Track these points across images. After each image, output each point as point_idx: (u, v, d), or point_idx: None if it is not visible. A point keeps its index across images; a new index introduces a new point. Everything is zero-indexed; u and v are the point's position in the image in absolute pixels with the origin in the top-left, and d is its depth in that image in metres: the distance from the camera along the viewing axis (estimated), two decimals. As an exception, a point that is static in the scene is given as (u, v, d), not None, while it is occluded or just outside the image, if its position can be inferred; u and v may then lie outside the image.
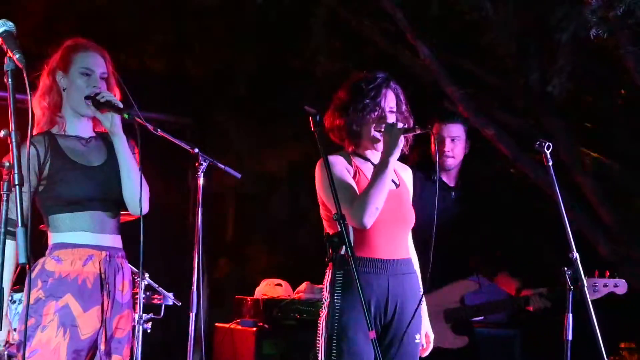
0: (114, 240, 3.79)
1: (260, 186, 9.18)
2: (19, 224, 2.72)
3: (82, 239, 3.68)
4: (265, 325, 6.72)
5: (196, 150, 4.62)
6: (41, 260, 3.69)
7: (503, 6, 6.51)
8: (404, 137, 4.10)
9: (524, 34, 6.58)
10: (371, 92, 4.17)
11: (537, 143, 4.48)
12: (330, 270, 4.05)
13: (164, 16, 8.51)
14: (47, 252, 3.71)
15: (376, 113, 4.15)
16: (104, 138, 3.90)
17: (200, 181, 4.69)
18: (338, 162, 4.15)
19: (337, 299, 3.98)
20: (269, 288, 7.11)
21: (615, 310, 6.97)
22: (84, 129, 3.83)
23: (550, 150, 4.44)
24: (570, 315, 4.38)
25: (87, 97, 3.72)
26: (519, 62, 6.86)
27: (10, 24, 2.92)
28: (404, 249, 4.22)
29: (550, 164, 4.45)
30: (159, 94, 8.30)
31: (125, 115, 3.69)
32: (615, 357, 7.12)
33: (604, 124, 7.73)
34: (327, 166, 3.75)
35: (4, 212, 2.83)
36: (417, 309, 4.10)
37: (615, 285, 5.17)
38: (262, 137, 8.95)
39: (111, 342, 3.72)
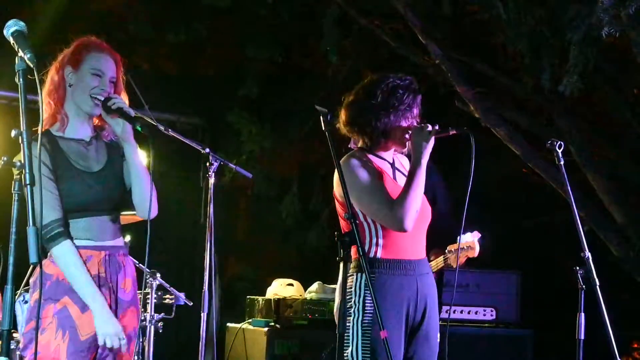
0: (115, 241, 3.77)
1: (272, 186, 9.19)
2: (30, 224, 2.72)
3: (81, 242, 3.66)
4: (277, 325, 6.72)
5: (207, 150, 4.62)
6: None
7: (514, 5, 6.49)
8: (436, 138, 4.06)
9: (535, 33, 6.57)
10: (408, 96, 4.12)
11: (549, 142, 4.46)
12: (358, 274, 4.01)
13: (175, 17, 8.52)
14: (48, 254, 3.69)
15: (410, 119, 4.12)
16: (107, 144, 3.86)
17: (212, 181, 4.69)
18: (361, 165, 4.07)
19: (373, 304, 3.91)
20: (281, 288, 7.11)
21: (628, 309, 6.96)
22: (85, 129, 3.79)
23: (561, 149, 4.42)
24: (583, 314, 4.37)
25: (95, 98, 3.69)
26: (530, 62, 6.85)
27: (22, 23, 2.92)
28: (425, 249, 4.21)
29: (562, 163, 4.43)
30: (171, 95, 8.31)
31: (138, 128, 3.66)
32: (628, 357, 7.11)
33: (615, 123, 7.72)
34: (338, 165, 3.74)
35: (15, 212, 2.82)
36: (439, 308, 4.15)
37: (468, 247, 5.00)
38: (274, 137, 8.96)
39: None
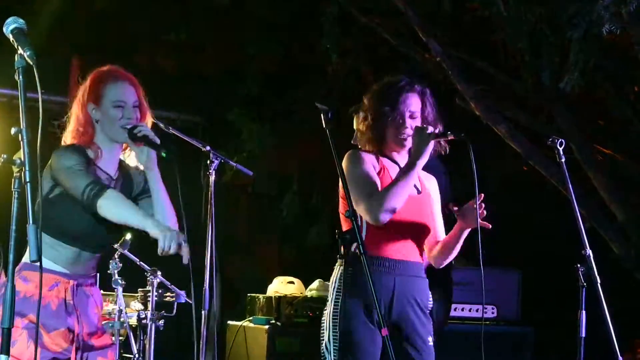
0: (87, 271, 3.77)
1: (273, 184, 9.19)
2: (30, 221, 2.72)
3: (53, 266, 3.64)
4: (278, 323, 6.72)
5: (208, 147, 4.61)
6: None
7: (515, 3, 6.49)
8: (435, 142, 4.09)
9: (535, 30, 6.57)
10: (390, 97, 4.16)
11: (550, 140, 4.46)
12: (340, 267, 4.05)
13: (175, 15, 8.52)
14: (17, 269, 3.64)
15: (395, 118, 4.13)
16: (124, 174, 3.87)
17: (212, 179, 4.69)
18: (366, 159, 4.13)
19: (341, 297, 3.98)
20: (282, 286, 7.11)
21: (630, 307, 6.95)
22: (113, 161, 3.81)
23: (562, 147, 4.42)
24: (584, 312, 4.37)
25: (125, 128, 3.70)
26: (530, 59, 6.84)
27: (21, 21, 2.92)
28: (416, 252, 4.19)
29: (563, 160, 4.43)
30: (171, 93, 8.30)
31: (163, 154, 3.67)
32: (629, 355, 7.10)
33: (616, 121, 7.72)
34: (338, 163, 3.75)
35: (15, 208, 2.82)
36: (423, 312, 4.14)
37: None
38: (274, 135, 8.95)
39: (92, 352, 3.72)
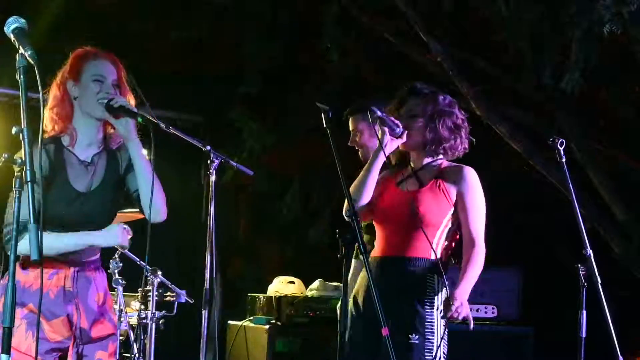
0: (87, 257, 3.75)
1: (273, 184, 9.18)
2: (31, 221, 2.72)
3: (51, 255, 3.65)
4: (278, 323, 6.72)
5: (208, 147, 4.60)
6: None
7: (515, 2, 6.49)
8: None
9: (536, 30, 6.56)
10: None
11: (551, 140, 4.47)
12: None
13: (176, 15, 8.51)
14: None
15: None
16: (109, 153, 3.87)
17: (213, 179, 4.68)
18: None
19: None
20: (282, 286, 7.11)
21: (630, 307, 6.95)
22: (92, 147, 3.79)
23: (563, 147, 4.42)
24: (585, 312, 4.37)
25: (102, 103, 3.70)
26: (531, 59, 6.84)
27: (22, 20, 2.92)
28: (405, 247, 4.20)
29: (564, 160, 4.43)
30: (172, 92, 8.30)
31: (139, 119, 3.67)
32: (630, 355, 7.10)
33: (616, 121, 7.71)
34: (338, 162, 3.75)
35: (15, 209, 2.82)
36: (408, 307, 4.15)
37: None
38: (275, 135, 8.95)
39: (91, 346, 3.72)
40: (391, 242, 4.21)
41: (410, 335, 4.10)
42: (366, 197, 4.16)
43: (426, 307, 4.15)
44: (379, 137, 4.18)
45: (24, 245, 3.42)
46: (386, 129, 4.18)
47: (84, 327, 3.71)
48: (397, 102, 4.35)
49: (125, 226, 3.73)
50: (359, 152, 5.21)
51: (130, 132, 3.71)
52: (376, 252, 4.25)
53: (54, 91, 3.76)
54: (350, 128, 5.26)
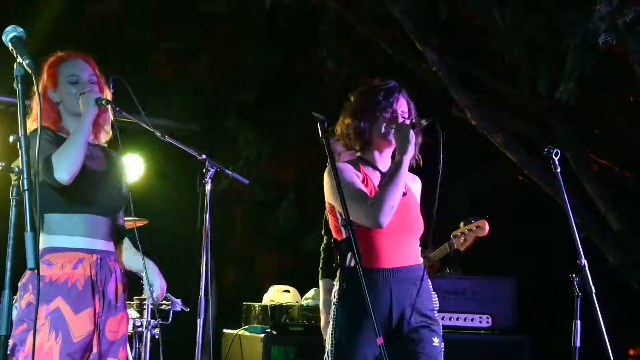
0: (107, 245, 3.80)
1: (269, 192, 9.19)
2: (28, 229, 2.72)
3: (73, 242, 3.68)
4: (273, 332, 6.73)
5: (204, 156, 4.62)
6: None
7: (511, 12, 6.51)
8: (414, 132, 4.02)
9: (531, 39, 6.58)
10: (384, 93, 4.14)
11: (546, 150, 4.47)
12: (337, 280, 4.03)
13: (172, 23, 8.53)
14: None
15: (389, 113, 4.10)
16: (102, 149, 3.93)
17: (208, 187, 4.70)
18: (347, 169, 4.09)
19: (339, 309, 3.95)
20: (277, 294, 7.12)
21: (624, 316, 6.96)
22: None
23: (558, 157, 4.43)
24: (579, 322, 4.38)
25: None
26: (526, 68, 6.86)
27: (20, 29, 2.93)
28: (413, 255, 4.14)
29: (559, 170, 4.44)
30: (168, 101, 8.32)
31: (103, 102, 3.72)
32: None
33: (611, 130, 7.74)
34: (335, 171, 3.75)
35: (13, 216, 2.83)
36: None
37: (478, 227, 4.90)
38: (270, 144, 8.96)
39: (105, 345, 3.73)
40: (401, 251, 4.10)
41: (434, 339, 4.08)
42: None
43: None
44: (405, 144, 4.00)
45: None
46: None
47: (103, 325, 3.72)
48: (409, 107, 4.25)
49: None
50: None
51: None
52: (387, 263, 4.05)
53: (37, 104, 3.77)
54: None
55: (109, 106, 3.79)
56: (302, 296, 7.07)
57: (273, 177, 9.29)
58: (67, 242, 3.68)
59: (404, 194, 4.13)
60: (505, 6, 6.55)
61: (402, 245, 4.10)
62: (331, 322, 4.03)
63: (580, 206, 7.06)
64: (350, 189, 3.96)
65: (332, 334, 3.95)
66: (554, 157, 4.42)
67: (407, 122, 4.06)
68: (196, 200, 8.48)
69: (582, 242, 4.37)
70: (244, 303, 7.27)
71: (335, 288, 4.08)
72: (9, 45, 2.91)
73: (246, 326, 7.02)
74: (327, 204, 4.21)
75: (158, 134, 4.25)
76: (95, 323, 3.68)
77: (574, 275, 4.37)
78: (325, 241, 5.41)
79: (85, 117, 3.69)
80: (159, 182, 8.18)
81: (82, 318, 3.63)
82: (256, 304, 7.07)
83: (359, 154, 4.22)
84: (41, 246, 3.68)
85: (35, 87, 2.87)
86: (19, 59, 2.85)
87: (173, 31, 8.53)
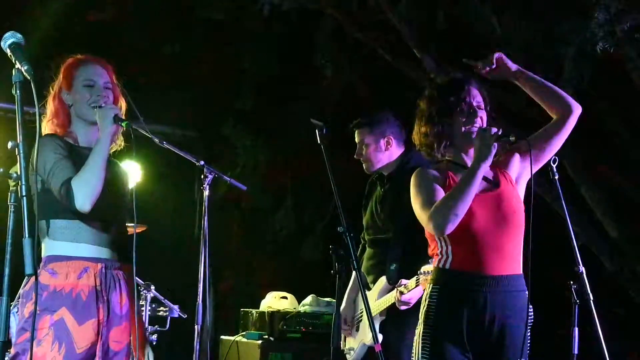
0: (112, 253, 3.78)
1: (266, 199, 9.19)
2: (26, 235, 2.72)
3: (78, 250, 3.66)
4: (271, 338, 6.72)
5: (201, 162, 4.62)
6: None
7: (509, 19, 6.52)
8: (497, 144, 3.82)
9: (529, 47, 6.59)
10: (453, 89, 3.95)
11: (544, 157, 4.46)
12: (429, 285, 3.78)
13: (171, 29, 8.54)
14: (41, 264, 3.67)
15: (464, 108, 3.90)
16: (109, 159, 3.90)
17: (206, 193, 4.69)
18: (429, 174, 3.83)
19: (429, 318, 3.72)
20: (275, 301, 7.11)
21: (622, 324, 6.96)
22: (92, 143, 3.80)
23: (556, 164, 4.42)
24: (577, 329, 4.37)
25: (95, 107, 3.73)
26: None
27: (19, 35, 2.93)
28: (511, 262, 3.86)
29: (557, 177, 4.44)
30: (166, 107, 8.32)
31: (124, 125, 3.70)
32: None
33: (609, 138, 7.74)
34: (332, 178, 3.74)
35: (11, 223, 2.82)
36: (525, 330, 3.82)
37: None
38: (268, 150, 8.97)
39: (108, 355, 3.70)
40: (498, 256, 3.83)
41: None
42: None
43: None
44: (484, 153, 3.78)
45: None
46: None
47: (106, 335, 3.69)
48: (483, 96, 4.09)
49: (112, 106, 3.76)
50: (364, 166, 5.16)
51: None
52: (483, 269, 3.77)
53: (50, 104, 3.80)
54: (357, 140, 5.20)
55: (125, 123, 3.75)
56: (299, 303, 7.06)
57: (271, 184, 9.30)
58: (72, 249, 3.66)
59: (496, 187, 3.93)
60: (503, 14, 6.56)
61: (499, 247, 3.85)
62: (419, 329, 3.77)
63: (577, 214, 7.06)
64: (423, 192, 3.77)
65: (421, 340, 3.70)
66: (552, 164, 4.41)
67: (494, 130, 3.84)
68: (194, 206, 8.48)
69: (579, 249, 4.37)
70: (242, 309, 7.26)
71: (337, 294, 3.94)
72: (8, 51, 2.92)
73: (243, 333, 7.01)
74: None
75: (156, 139, 4.24)
76: (99, 333, 3.66)
77: (571, 282, 4.36)
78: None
79: (103, 137, 3.67)
80: (157, 188, 8.19)
81: (86, 329, 3.61)
82: (254, 311, 7.06)
83: (447, 157, 3.94)
84: (45, 253, 3.68)
85: (34, 92, 2.86)
86: (18, 65, 2.85)
87: (172, 37, 8.54)
